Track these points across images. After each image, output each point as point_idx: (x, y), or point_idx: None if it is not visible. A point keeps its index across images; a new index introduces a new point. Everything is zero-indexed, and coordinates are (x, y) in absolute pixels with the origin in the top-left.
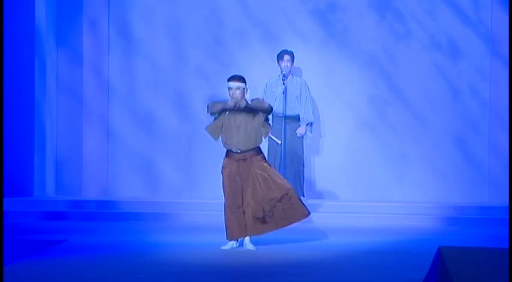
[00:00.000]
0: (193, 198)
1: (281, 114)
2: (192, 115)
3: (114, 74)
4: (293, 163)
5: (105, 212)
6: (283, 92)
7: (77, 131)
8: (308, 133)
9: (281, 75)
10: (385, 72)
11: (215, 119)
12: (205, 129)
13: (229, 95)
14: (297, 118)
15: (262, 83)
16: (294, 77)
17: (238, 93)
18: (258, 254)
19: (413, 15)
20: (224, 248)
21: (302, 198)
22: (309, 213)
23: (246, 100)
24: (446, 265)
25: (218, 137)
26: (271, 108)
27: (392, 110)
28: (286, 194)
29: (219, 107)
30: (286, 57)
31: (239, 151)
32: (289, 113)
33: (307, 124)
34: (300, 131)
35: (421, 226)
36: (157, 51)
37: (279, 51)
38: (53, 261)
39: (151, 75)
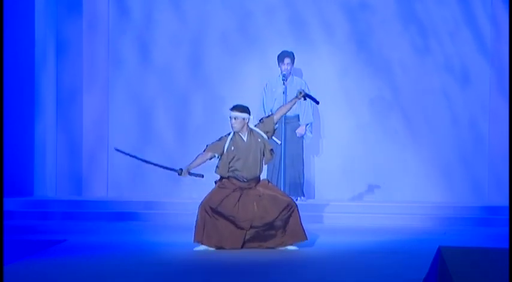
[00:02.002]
0: (192, 198)
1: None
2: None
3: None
4: (293, 163)
5: (105, 212)
6: (284, 92)
7: (77, 130)
8: (308, 133)
9: (281, 76)
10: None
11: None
12: (207, 146)
13: (230, 124)
14: (296, 118)
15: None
16: (294, 77)
17: (236, 123)
18: (257, 254)
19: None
20: (198, 249)
21: (302, 198)
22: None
23: (250, 128)
24: (446, 265)
25: (214, 155)
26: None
27: (393, 114)
28: (292, 206)
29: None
30: (287, 60)
31: (245, 180)
32: (289, 113)
33: (307, 124)
34: (300, 131)
35: (421, 226)
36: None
37: (280, 52)
38: (53, 261)
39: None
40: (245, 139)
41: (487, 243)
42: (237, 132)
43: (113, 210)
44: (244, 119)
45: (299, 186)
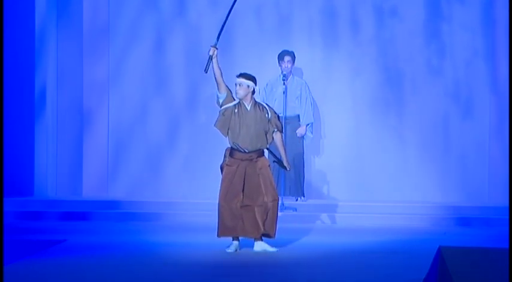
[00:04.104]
0: (193, 198)
1: (281, 115)
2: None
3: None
4: (293, 163)
5: (105, 212)
6: (284, 92)
7: (77, 130)
8: (308, 133)
9: (281, 75)
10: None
11: (221, 114)
12: (214, 126)
13: (235, 90)
14: (297, 118)
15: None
16: (295, 77)
17: (240, 90)
18: (257, 254)
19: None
20: (229, 250)
21: (302, 198)
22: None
23: (257, 101)
24: (447, 265)
25: (227, 134)
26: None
27: (394, 114)
28: (276, 202)
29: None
30: (287, 58)
31: (246, 151)
32: (289, 113)
33: (308, 124)
34: (300, 131)
35: (421, 226)
36: None
37: (280, 51)
38: (52, 261)
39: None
40: (248, 108)
41: (487, 243)
42: (241, 100)
43: (113, 211)
44: (248, 86)
45: (299, 187)
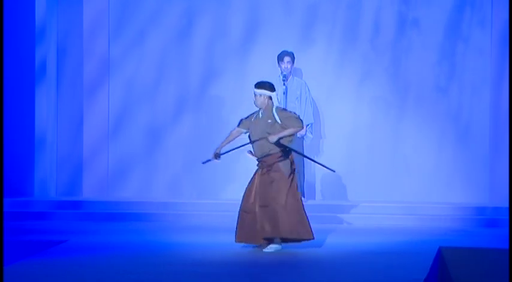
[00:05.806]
0: (194, 199)
1: None
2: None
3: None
4: None
5: (105, 212)
6: (284, 93)
7: (77, 130)
8: (308, 134)
9: (281, 76)
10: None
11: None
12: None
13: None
14: None
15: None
16: (295, 77)
17: (259, 100)
18: (258, 254)
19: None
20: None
21: (302, 198)
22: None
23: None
24: (447, 265)
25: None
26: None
27: (394, 114)
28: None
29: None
30: (287, 58)
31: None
32: None
33: (307, 125)
34: (300, 131)
35: (421, 226)
36: None
37: (280, 52)
38: (53, 261)
39: None
40: (260, 116)
41: (487, 243)
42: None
43: (113, 211)
44: (261, 95)
45: (299, 187)
